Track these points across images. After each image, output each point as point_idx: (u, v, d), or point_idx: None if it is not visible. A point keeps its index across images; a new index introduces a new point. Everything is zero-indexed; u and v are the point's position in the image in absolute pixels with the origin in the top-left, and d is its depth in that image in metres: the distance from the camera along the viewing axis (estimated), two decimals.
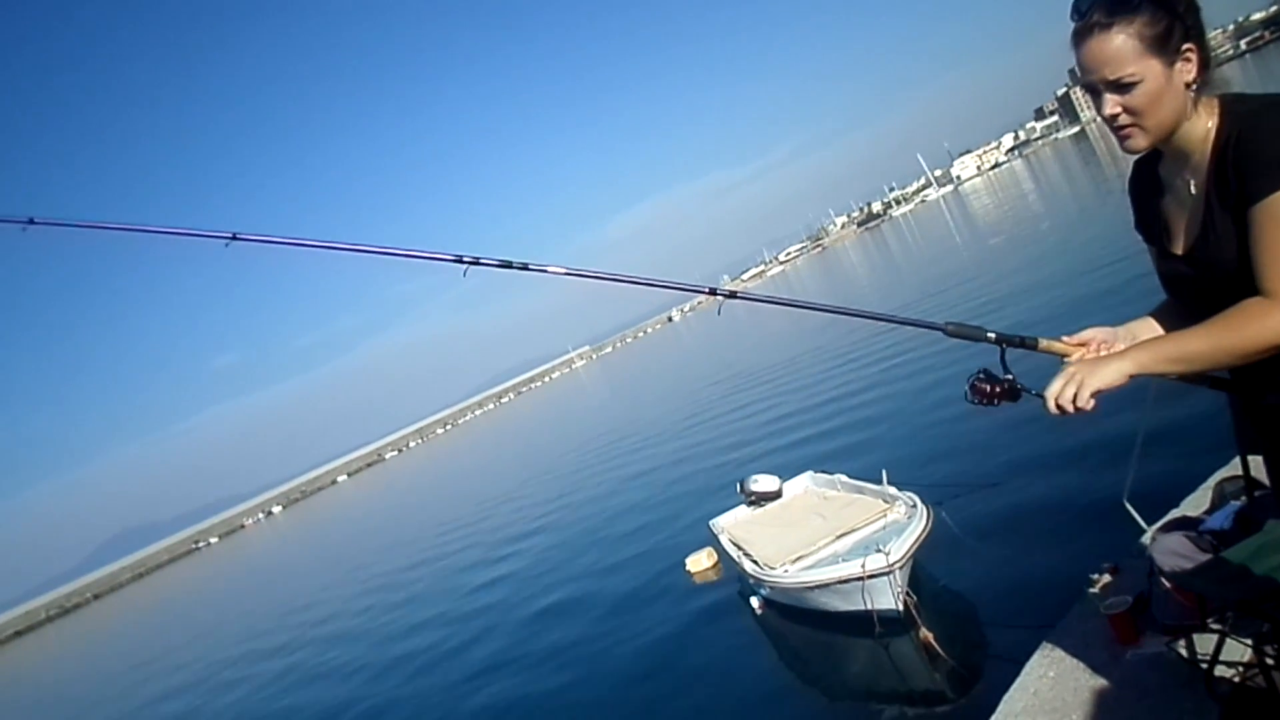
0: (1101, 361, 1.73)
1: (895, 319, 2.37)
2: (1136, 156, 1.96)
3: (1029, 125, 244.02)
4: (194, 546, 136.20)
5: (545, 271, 2.54)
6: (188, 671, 20.54)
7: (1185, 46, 1.70)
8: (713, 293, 2.59)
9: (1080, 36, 1.74)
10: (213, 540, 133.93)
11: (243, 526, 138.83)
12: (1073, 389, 1.72)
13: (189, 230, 2.70)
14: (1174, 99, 1.71)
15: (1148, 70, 1.69)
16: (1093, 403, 1.73)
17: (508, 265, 2.54)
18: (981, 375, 2.00)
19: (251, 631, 21.97)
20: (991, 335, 2.00)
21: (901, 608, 6.38)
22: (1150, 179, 1.97)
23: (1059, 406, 1.75)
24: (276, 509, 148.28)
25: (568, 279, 2.52)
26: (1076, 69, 1.78)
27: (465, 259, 2.51)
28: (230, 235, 2.59)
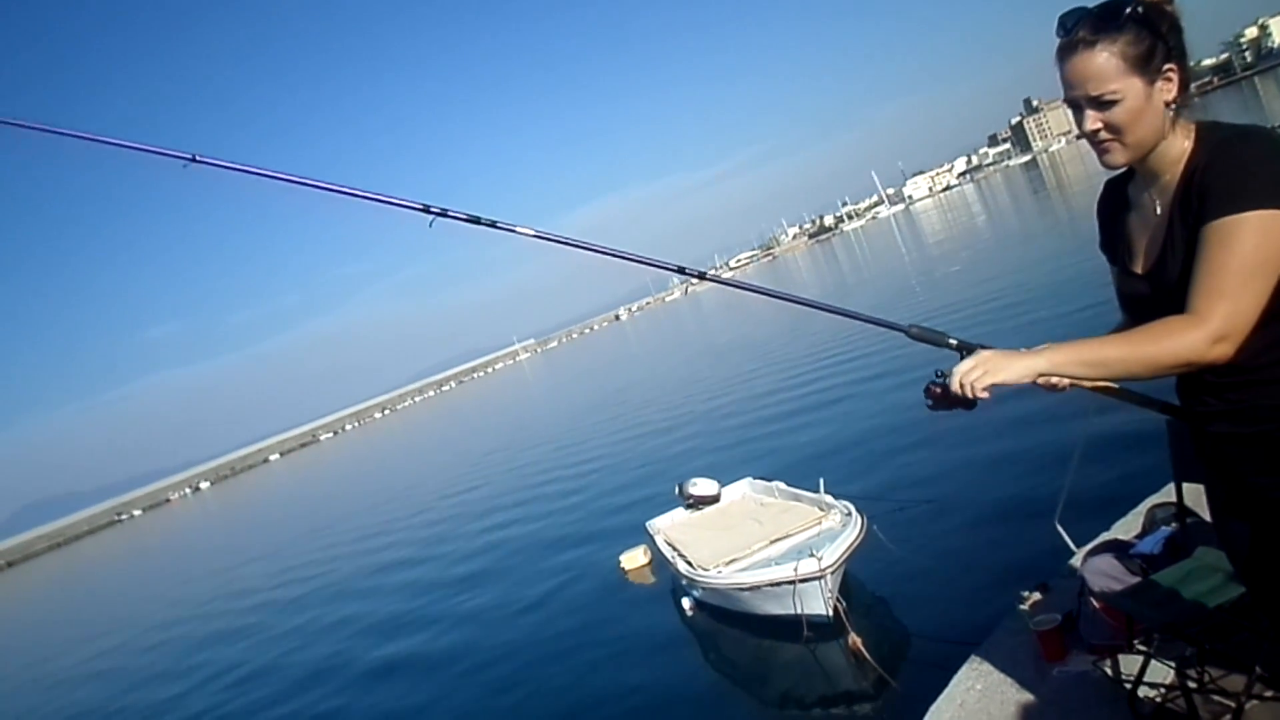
0: (1016, 357, 1.74)
1: (861, 316, 2.34)
2: (1109, 176, 1.99)
3: (982, 150, 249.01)
4: (116, 518, 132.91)
5: (514, 231, 2.45)
6: (88, 650, 20.10)
7: (1167, 67, 1.72)
8: (681, 271, 2.55)
9: (1065, 53, 1.76)
10: (136, 513, 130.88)
11: (168, 500, 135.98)
12: (977, 374, 1.74)
13: (147, 146, 2.53)
14: (1153, 117, 1.74)
15: (1129, 88, 1.71)
16: (987, 395, 1.75)
17: (476, 220, 2.45)
18: (939, 376, 1.95)
19: (145, 617, 21.60)
20: (953, 341, 2.00)
21: (831, 613, 6.41)
22: (1119, 198, 2.00)
23: (960, 385, 1.77)
24: (204, 484, 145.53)
25: (535, 242, 2.43)
26: (1060, 84, 1.80)
27: (433, 209, 2.41)
28: (190, 156, 2.46)
